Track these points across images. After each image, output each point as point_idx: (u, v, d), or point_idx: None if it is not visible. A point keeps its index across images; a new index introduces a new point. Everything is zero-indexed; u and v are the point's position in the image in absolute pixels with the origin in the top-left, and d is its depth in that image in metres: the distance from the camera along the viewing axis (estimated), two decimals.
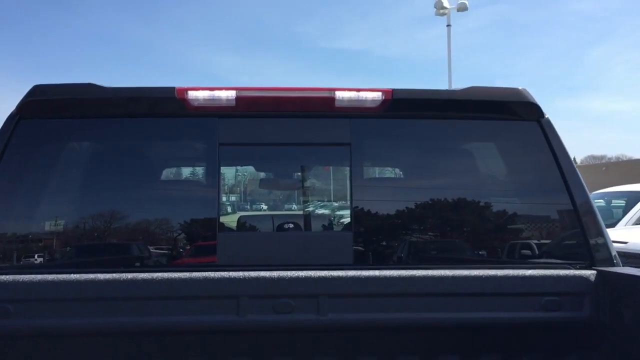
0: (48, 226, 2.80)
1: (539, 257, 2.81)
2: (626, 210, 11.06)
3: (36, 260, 2.72)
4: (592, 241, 2.71)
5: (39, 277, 2.47)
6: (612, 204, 11.20)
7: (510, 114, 2.86)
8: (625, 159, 48.66)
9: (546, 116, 2.86)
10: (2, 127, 2.72)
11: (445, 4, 24.90)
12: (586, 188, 2.80)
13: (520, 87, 2.84)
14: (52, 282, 2.47)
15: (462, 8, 24.88)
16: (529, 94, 2.84)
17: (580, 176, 2.82)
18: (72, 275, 2.49)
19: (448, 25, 25.65)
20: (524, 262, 2.77)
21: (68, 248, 2.77)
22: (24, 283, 2.46)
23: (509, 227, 2.89)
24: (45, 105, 2.73)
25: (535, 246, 2.84)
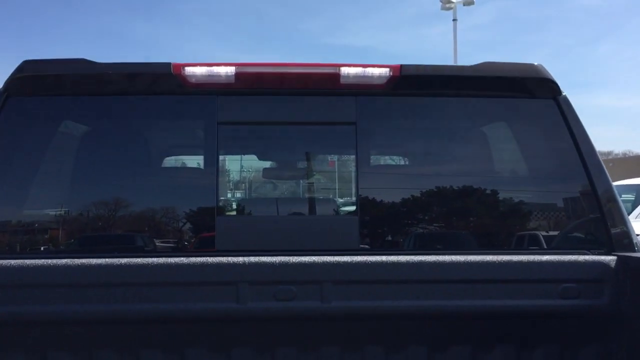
0: (37, 210, 2.68)
1: (557, 242, 2.67)
2: (635, 204, 10.94)
3: (25, 245, 2.60)
4: (612, 226, 2.57)
5: (27, 262, 2.35)
6: (621, 198, 11.05)
7: (525, 92, 2.71)
8: (632, 155, 48.38)
9: (564, 93, 2.71)
10: None
11: None
12: (606, 171, 2.65)
13: (535, 63, 2.70)
14: (40, 268, 2.34)
15: (469, 2, 24.67)
16: (545, 69, 2.68)
17: (600, 158, 2.67)
18: (62, 260, 2.37)
19: (454, 20, 25.44)
20: (540, 248, 2.62)
21: (58, 233, 2.64)
22: (8, 268, 2.33)
23: (524, 211, 2.75)
24: (35, 81, 2.60)
25: (552, 232, 2.69)
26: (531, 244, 2.66)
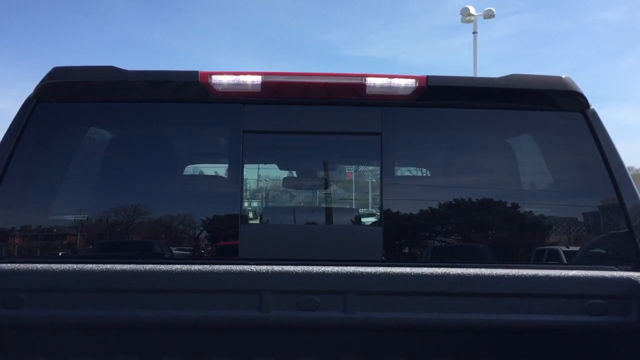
0: (65, 215, 2.70)
1: (583, 257, 2.63)
2: None
3: (51, 249, 2.62)
4: None
5: (53, 266, 2.37)
6: None
7: (553, 104, 2.69)
8: None
9: (592, 107, 2.68)
10: (19, 111, 2.62)
11: (472, 11, 24.62)
12: (635, 186, 2.61)
13: (563, 75, 2.67)
14: (67, 272, 2.36)
15: (489, 15, 24.57)
16: (573, 82, 2.66)
17: (629, 173, 2.63)
18: (87, 265, 2.38)
19: (474, 33, 25.33)
20: (566, 263, 2.59)
21: (84, 238, 2.67)
22: (37, 272, 2.35)
23: (550, 225, 2.72)
24: (64, 88, 2.64)
25: (579, 246, 2.66)
26: (557, 258, 2.62)
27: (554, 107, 2.69)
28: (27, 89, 2.69)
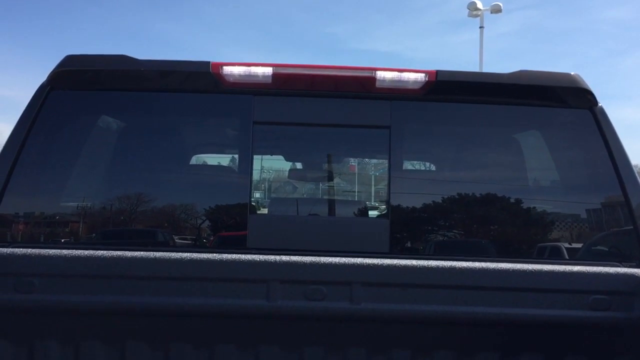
0: (76, 202, 2.73)
1: (588, 253, 2.65)
2: None
3: (62, 235, 2.65)
4: None
5: (65, 252, 2.40)
6: None
7: (561, 101, 2.70)
8: None
9: (600, 104, 2.69)
10: (32, 98, 2.65)
11: (479, 5, 24.52)
12: None
13: (572, 72, 2.69)
14: (78, 258, 2.39)
15: (496, 10, 24.45)
16: (582, 79, 2.67)
17: (635, 171, 2.65)
18: (98, 252, 2.42)
19: (481, 27, 25.21)
20: (571, 258, 2.61)
21: (95, 225, 2.70)
22: (50, 258, 2.38)
23: (555, 221, 2.74)
24: (77, 76, 2.66)
25: (583, 242, 2.68)
26: (563, 254, 2.65)
27: (562, 104, 2.71)
28: (34, 77, 2.73)
